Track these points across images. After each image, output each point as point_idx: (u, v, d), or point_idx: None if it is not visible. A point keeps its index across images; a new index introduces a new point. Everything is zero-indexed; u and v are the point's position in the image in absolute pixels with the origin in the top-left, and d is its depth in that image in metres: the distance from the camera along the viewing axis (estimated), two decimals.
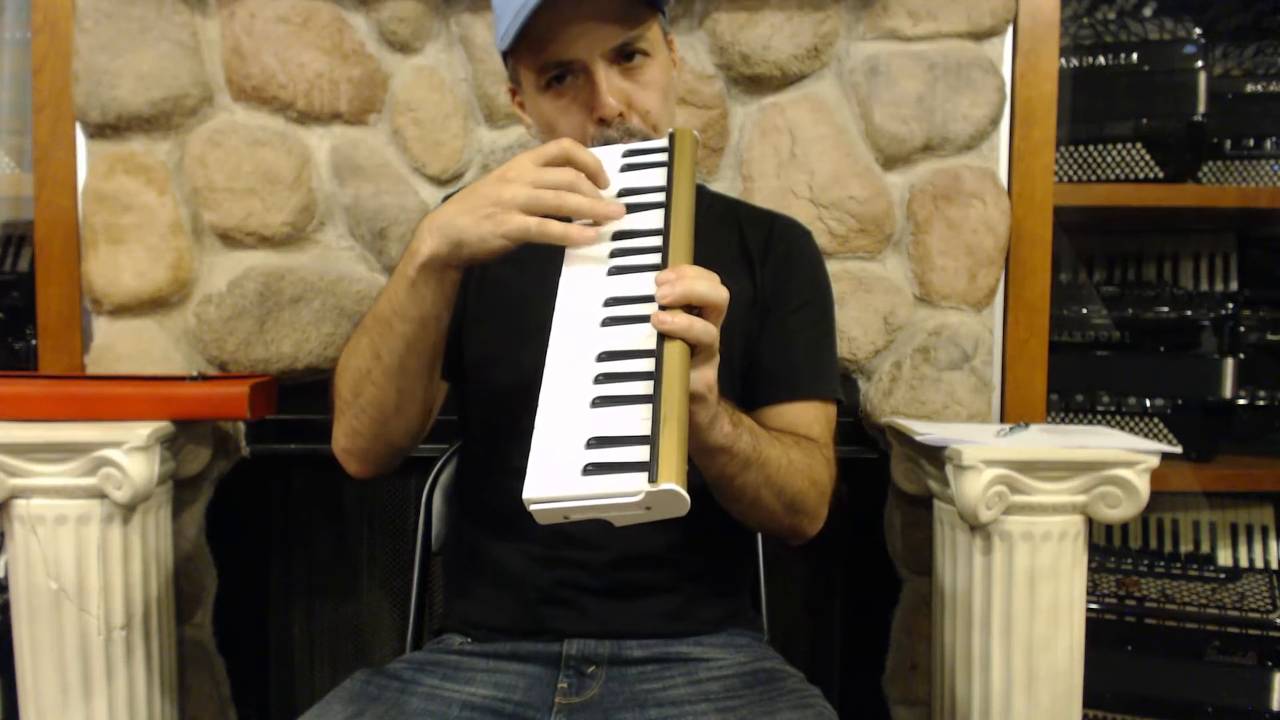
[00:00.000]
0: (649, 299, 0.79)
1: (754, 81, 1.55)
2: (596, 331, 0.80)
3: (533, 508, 0.70)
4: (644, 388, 0.74)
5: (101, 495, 1.26)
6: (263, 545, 1.70)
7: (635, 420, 0.73)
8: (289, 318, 1.53)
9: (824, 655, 1.75)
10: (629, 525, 0.72)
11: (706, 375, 0.79)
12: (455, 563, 1.20)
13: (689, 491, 0.69)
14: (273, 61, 1.51)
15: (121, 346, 1.53)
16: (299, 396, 1.54)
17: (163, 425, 1.31)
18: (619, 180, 0.91)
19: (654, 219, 0.87)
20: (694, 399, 0.78)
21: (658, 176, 0.90)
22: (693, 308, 0.77)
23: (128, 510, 1.29)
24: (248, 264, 1.54)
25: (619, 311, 0.81)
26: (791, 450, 0.99)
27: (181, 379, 1.39)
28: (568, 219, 0.87)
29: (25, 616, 1.27)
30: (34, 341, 1.62)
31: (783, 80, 1.55)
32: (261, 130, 1.53)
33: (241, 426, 1.56)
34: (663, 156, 0.92)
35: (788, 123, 1.55)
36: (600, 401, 0.75)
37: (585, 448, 0.72)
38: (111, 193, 1.51)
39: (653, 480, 0.67)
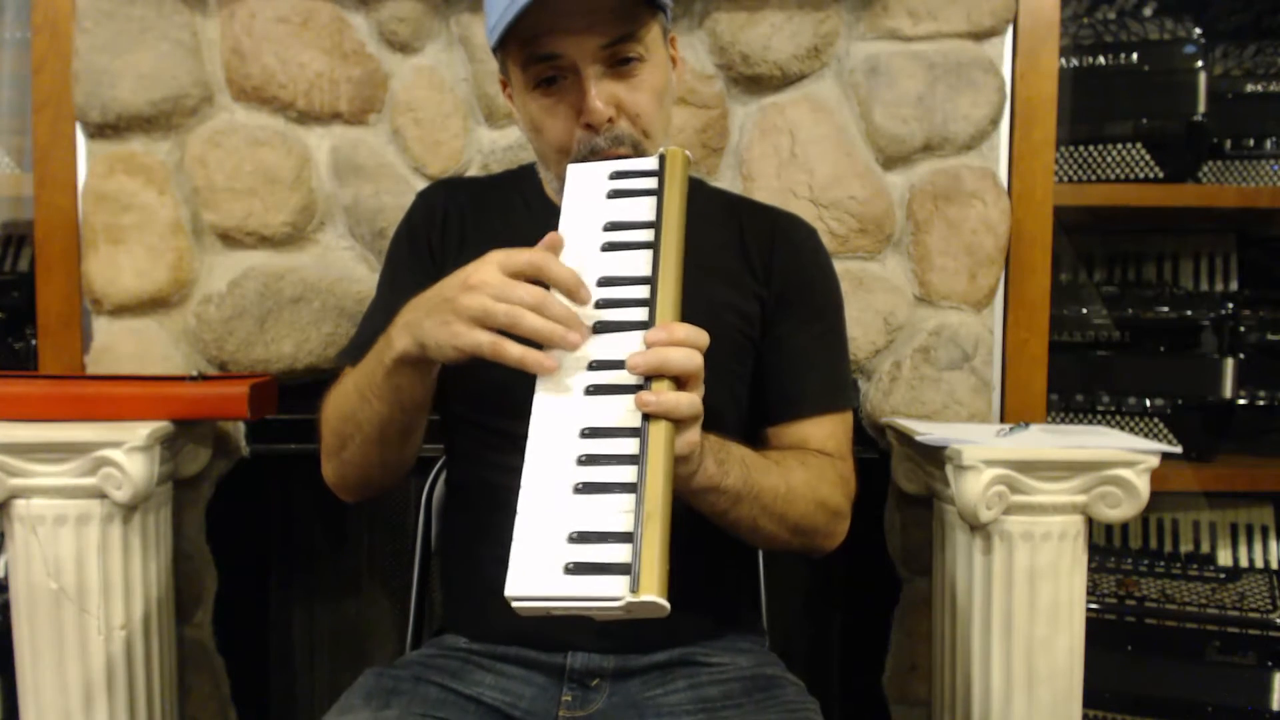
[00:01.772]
0: None
1: (754, 81, 1.55)
2: (580, 401, 0.78)
3: (515, 604, 0.71)
4: (628, 473, 0.73)
5: (101, 495, 1.26)
6: (263, 545, 1.70)
7: (618, 512, 0.72)
8: (289, 318, 1.53)
9: (824, 655, 1.75)
10: (609, 620, 0.72)
11: (690, 438, 0.79)
12: (451, 575, 1.18)
13: (682, 507, 0.70)
14: (273, 61, 1.51)
15: (121, 346, 1.53)
16: (299, 396, 1.54)
17: (163, 425, 1.31)
18: (605, 209, 0.87)
19: (641, 262, 0.83)
20: (676, 460, 0.77)
21: (646, 206, 0.86)
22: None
23: (128, 510, 1.28)
24: (248, 264, 1.54)
25: (603, 378, 0.79)
26: (792, 474, 0.97)
27: (181, 379, 1.39)
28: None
29: (25, 616, 1.27)
30: (34, 341, 1.62)
31: (783, 80, 1.55)
32: (261, 130, 1.53)
33: (241, 426, 1.56)
34: (652, 182, 0.87)
35: (788, 123, 1.55)
36: (583, 488, 0.74)
37: (568, 542, 0.72)
38: (111, 193, 1.51)
39: (634, 590, 0.68)
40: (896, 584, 1.63)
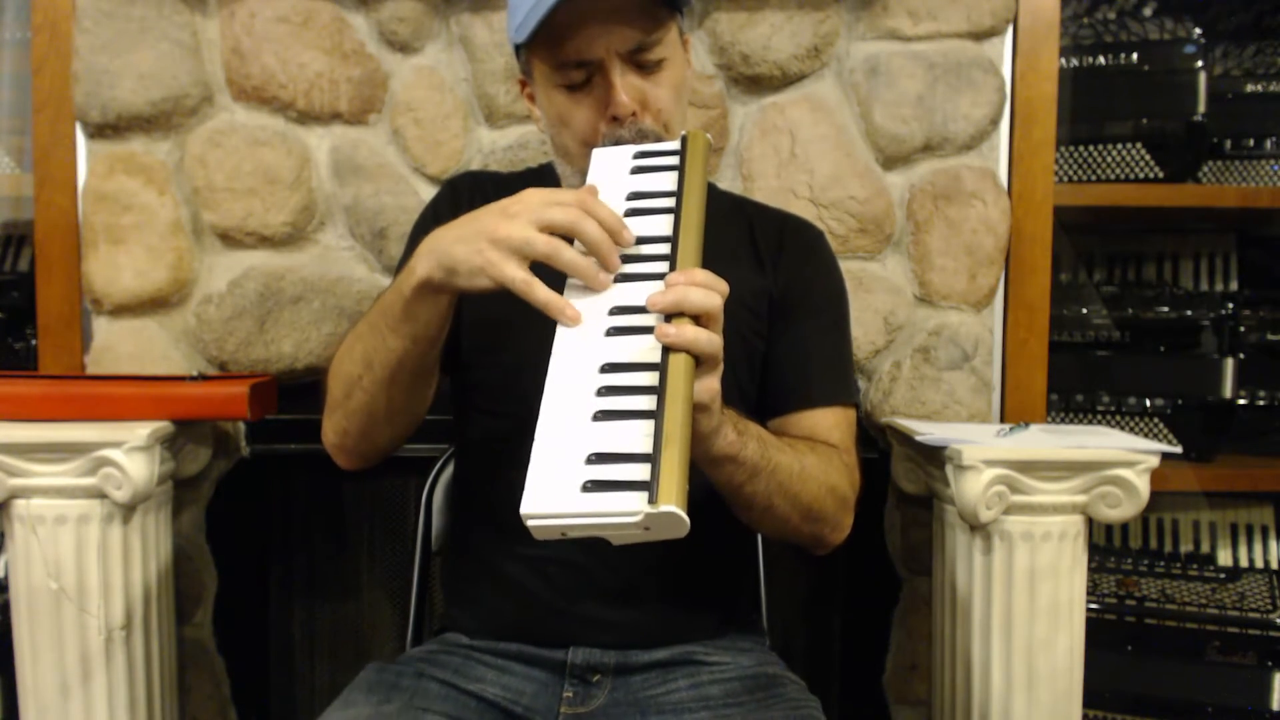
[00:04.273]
0: None
1: (754, 81, 1.55)
2: (601, 341, 0.79)
3: (530, 523, 0.70)
4: (647, 402, 0.73)
5: (101, 495, 1.26)
6: (263, 545, 1.70)
7: (637, 436, 0.72)
8: (289, 318, 1.53)
9: (824, 655, 1.75)
10: (627, 544, 0.71)
11: (710, 384, 0.78)
12: (455, 569, 1.19)
13: (692, 497, 0.68)
14: (273, 61, 1.51)
15: (121, 346, 1.53)
16: (299, 396, 1.54)
17: (163, 425, 1.31)
18: (628, 182, 0.90)
19: (663, 224, 0.85)
20: (697, 408, 0.77)
21: (668, 180, 0.89)
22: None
23: (128, 510, 1.28)
24: (248, 264, 1.54)
25: (624, 321, 0.79)
26: (805, 457, 0.98)
27: (181, 379, 1.39)
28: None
29: (25, 616, 1.27)
30: (34, 341, 1.62)
31: (783, 80, 1.55)
32: (261, 130, 1.53)
33: (241, 426, 1.56)
34: (674, 160, 0.90)
35: (788, 123, 1.55)
36: (602, 415, 0.74)
37: (585, 463, 0.71)
38: (111, 193, 1.51)
39: (653, 501, 0.67)
40: (896, 584, 1.63)
